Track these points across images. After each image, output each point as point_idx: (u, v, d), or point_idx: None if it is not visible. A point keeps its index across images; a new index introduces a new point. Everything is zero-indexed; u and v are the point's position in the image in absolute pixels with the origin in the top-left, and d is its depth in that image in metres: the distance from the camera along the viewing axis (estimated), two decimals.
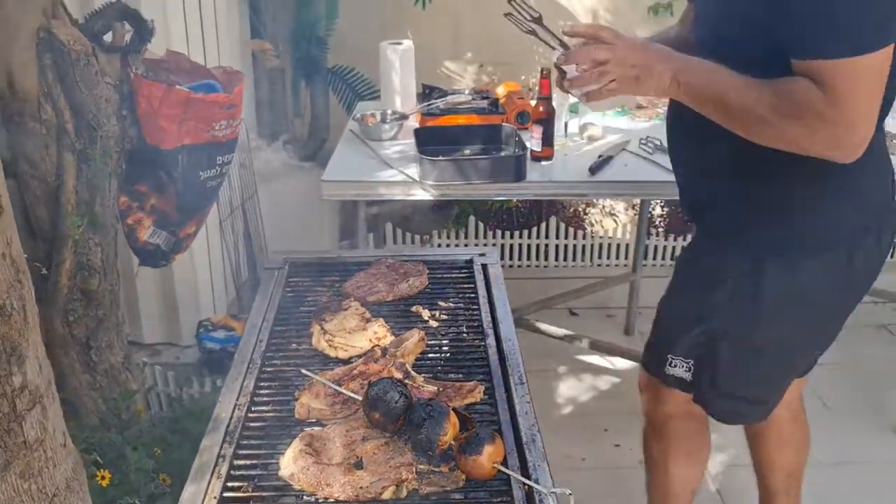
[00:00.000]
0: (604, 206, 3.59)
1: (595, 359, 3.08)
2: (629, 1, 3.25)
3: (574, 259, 3.53)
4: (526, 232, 3.48)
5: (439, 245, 3.46)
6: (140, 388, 2.19)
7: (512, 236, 3.49)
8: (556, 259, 3.53)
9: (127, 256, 2.10)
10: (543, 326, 2.94)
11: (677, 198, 2.29)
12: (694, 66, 1.26)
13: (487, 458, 1.02)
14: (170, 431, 1.94)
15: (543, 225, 3.48)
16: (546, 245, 3.51)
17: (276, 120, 3.08)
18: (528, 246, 3.50)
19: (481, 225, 3.47)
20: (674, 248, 3.48)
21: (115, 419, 1.88)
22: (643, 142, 2.39)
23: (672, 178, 2.18)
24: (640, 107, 2.80)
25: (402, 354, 1.28)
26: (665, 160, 2.27)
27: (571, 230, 3.49)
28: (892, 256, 3.59)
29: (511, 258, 3.52)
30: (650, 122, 2.67)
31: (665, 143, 2.32)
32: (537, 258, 3.52)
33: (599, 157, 2.30)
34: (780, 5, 1.15)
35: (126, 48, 1.77)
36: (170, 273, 2.48)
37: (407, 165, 2.26)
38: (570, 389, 2.94)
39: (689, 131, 1.43)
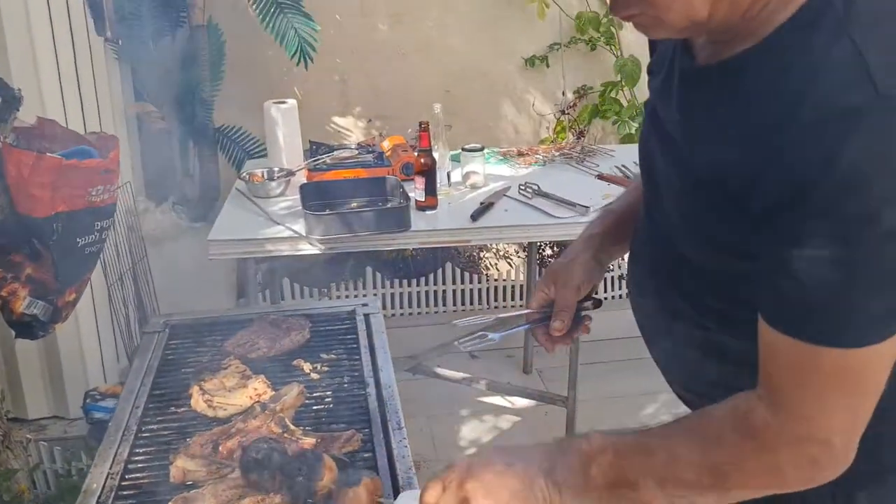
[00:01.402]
0: (497, 250, 3.70)
1: (496, 399, 3.14)
2: (506, 53, 3.41)
3: (472, 303, 3.62)
4: (423, 279, 3.55)
5: (338, 296, 3.48)
6: (23, 466, 2.10)
7: (410, 284, 3.54)
8: (454, 304, 3.60)
9: (3, 328, 2.03)
10: (443, 371, 2.99)
11: (562, 238, 2.43)
12: (575, 465, 0.87)
13: (365, 489, 1.04)
14: None
15: (440, 271, 3.55)
16: (444, 291, 3.58)
17: (164, 182, 3.06)
18: (426, 293, 3.57)
19: (378, 275, 3.51)
20: None
21: None
22: (522, 187, 2.50)
23: (549, 219, 2.31)
24: (520, 154, 2.94)
25: (282, 408, 1.29)
26: (543, 203, 2.41)
27: (467, 275, 3.58)
28: None
29: (410, 305, 3.57)
30: (530, 168, 2.80)
31: (542, 188, 2.47)
32: (436, 304, 3.58)
33: (481, 203, 2.39)
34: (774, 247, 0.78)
35: None
36: (53, 343, 2.41)
37: (294, 221, 2.29)
38: (472, 431, 2.98)
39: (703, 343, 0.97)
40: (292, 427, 1.26)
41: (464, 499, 0.87)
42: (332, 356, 1.53)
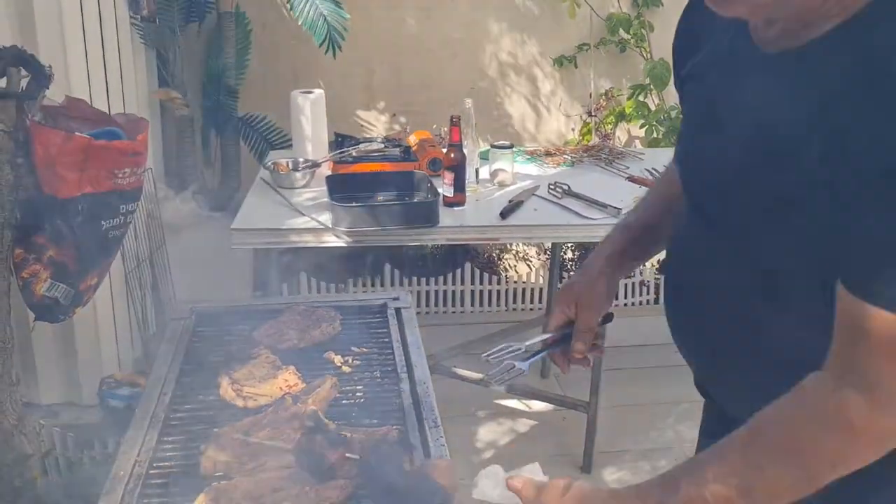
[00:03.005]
0: (517, 252, 3.65)
1: (512, 402, 3.09)
2: (534, 51, 3.37)
3: (489, 304, 3.56)
4: (441, 278, 3.50)
5: (355, 293, 3.43)
6: (36, 452, 2.06)
7: (427, 283, 3.50)
8: (472, 304, 3.55)
9: (21, 311, 1.99)
10: (461, 371, 2.94)
11: (591, 239, 2.37)
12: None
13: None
14: (67, 497, 1.83)
15: (458, 271, 3.50)
16: (462, 291, 3.53)
17: (185, 170, 3.02)
18: (444, 292, 3.52)
19: (397, 272, 3.46)
20: None
21: (7, 487, 1.76)
22: (552, 187, 2.46)
23: (580, 220, 2.26)
24: (548, 154, 2.89)
25: (314, 401, 1.25)
26: (573, 203, 2.36)
27: (486, 275, 3.53)
28: None
29: (427, 304, 3.52)
30: (558, 168, 2.75)
31: (572, 188, 2.42)
32: (453, 304, 3.53)
33: (510, 201, 2.35)
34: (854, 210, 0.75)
35: (22, 94, 1.71)
36: (69, 328, 2.37)
37: (319, 212, 2.25)
38: (488, 433, 2.93)
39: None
40: (326, 421, 1.21)
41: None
42: (364, 350, 1.49)
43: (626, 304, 3.63)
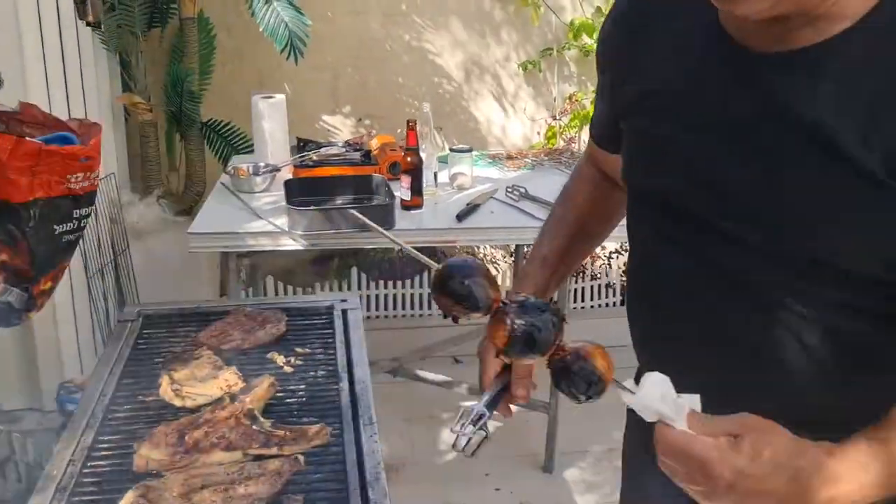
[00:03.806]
0: (484, 255, 3.68)
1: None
2: (499, 56, 3.41)
3: None
4: (409, 282, 3.52)
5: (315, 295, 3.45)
6: None
7: (395, 286, 3.52)
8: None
9: None
10: (424, 374, 2.97)
11: None
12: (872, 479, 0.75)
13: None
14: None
15: (425, 274, 3.53)
16: (429, 294, 3.55)
17: (149, 174, 3.03)
18: (412, 295, 3.54)
19: (364, 276, 3.49)
20: None
21: None
22: (510, 190, 2.49)
23: (535, 222, 2.30)
24: (509, 157, 2.93)
25: (251, 400, 1.27)
26: (529, 206, 2.39)
27: None
28: None
29: (395, 308, 3.54)
30: (519, 172, 2.79)
31: (529, 191, 2.45)
32: (420, 307, 3.56)
33: (468, 204, 2.38)
34: None
35: None
36: (29, 333, 2.37)
37: (278, 216, 2.27)
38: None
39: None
40: (261, 419, 1.23)
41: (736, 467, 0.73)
42: (307, 350, 1.51)
43: (591, 307, 3.67)
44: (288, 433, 1.21)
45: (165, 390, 1.31)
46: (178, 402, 1.29)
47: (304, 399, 1.36)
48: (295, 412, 1.33)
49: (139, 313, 1.60)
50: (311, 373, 1.44)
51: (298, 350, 1.51)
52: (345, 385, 1.38)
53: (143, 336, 1.53)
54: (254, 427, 1.21)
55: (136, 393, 1.34)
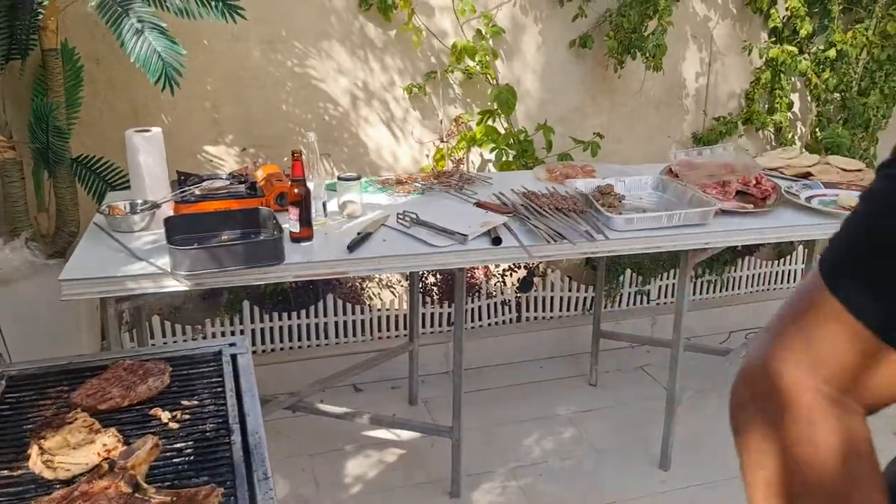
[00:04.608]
0: (380, 280, 3.64)
1: (381, 433, 3.07)
2: (384, 81, 3.39)
3: (355, 334, 3.53)
4: (304, 312, 3.44)
5: (213, 333, 3.31)
6: None
7: (290, 317, 3.43)
8: (337, 336, 3.51)
9: None
10: (325, 407, 2.89)
11: (441, 267, 2.40)
12: None
13: None
14: None
15: (321, 303, 3.46)
16: (325, 323, 3.48)
17: (15, 216, 2.82)
18: (308, 325, 3.46)
19: (257, 309, 3.37)
20: (448, 314, 3.60)
21: None
22: (400, 216, 2.47)
23: (428, 248, 2.28)
24: (399, 182, 2.91)
25: (133, 465, 1.18)
26: (421, 232, 2.37)
27: (349, 306, 3.50)
28: (646, 302, 3.97)
29: (291, 339, 3.45)
30: (409, 197, 2.78)
31: (420, 216, 2.43)
32: (317, 337, 3.48)
33: (358, 234, 2.34)
34: None
35: None
36: None
37: (160, 256, 2.16)
38: (357, 467, 2.89)
39: None
40: (144, 485, 1.15)
41: None
42: (195, 402, 1.43)
43: (488, 325, 3.70)
44: (175, 498, 1.13)
45: (35, 462, 1.20)
46: (49, 475, 1.19)
47: (192, 458, 1.29)
48: (183, 473, 1.25)
49: (2, 374, 1.47)
50: (200, 427, 1.36)
51: (185, 403, 1.43)
52: (237, 438, 1.32)
53: (8, 401, 1.41)
54: (136, 495, 1.13)
55: (2, 467, 1.23)
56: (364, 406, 3.10)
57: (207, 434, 1.34)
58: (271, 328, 3.41)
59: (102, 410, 1.37)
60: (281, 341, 3.44)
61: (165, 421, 1.36)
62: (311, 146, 2.50)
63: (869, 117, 3.98)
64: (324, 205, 2.50)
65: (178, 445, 1.31)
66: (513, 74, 3.57)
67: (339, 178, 2.56)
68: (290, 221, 2.29)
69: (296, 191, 2.26)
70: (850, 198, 2.76)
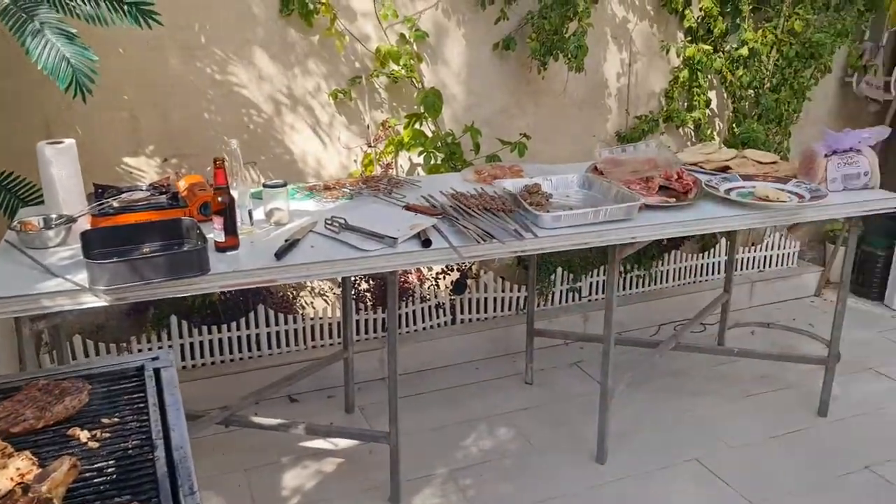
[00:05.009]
0: (312, 288, 3.60)
1: (317, 443, 3.03)
2: (309, 86, 3.35)
3: (288, 344, 3.48)
4: (234, 324, 3.37)
5: (139, 350, 3.21)
6: None
7: (220, 330, 3.35)
8: (270, 347, 3.44)
9: None
10: (258, 419, 2.84)
11: (371, 271, 2.37)
12: None
13: None
14: None
15: (252, 314, 3.39)
16: (257, 334, 3.41)
17: None
18: (239, 338, 3.38)
19: (185, 323, 3.28)
20: (383, 319, 3.58)
21: None
22: (328, 222, 2.44)
23: (357, 253, 2.26)
24: (327, 188, 2.88)
25: (50, 488, 1.13)
26: (350, 237, 2.35)
27: (282, 316, 3.44)
28: (578, 299, 4.02)
29: (221, 353, 3.37)
30: (338, 202, 2.75)
31: (349, 221, 2.41)
32: (249, 349, 3.41)
33: (286, 241, 2.30)
34: None
35: None
36: None
37: (78, 272, 2.07)
38: (294, 479, 2.84)
39: None
40: None
41: None
42: (116, 420, 1.37)
43: (423, 328, 3.69)
44: None
45: None
46: None
47: (113, 476, 1.24)
48: (104, 493, 1.20)
49: None
50: (122, 445, 1.31)
51: (105, 421, 1.37)
52: (161, 454, 1.27)
53: None
54: None
55: None
56: (300, 416, 3.05)
57: (129, 451, 1.29)
58: (201, 342, 3.32)
59: (16, 433, 1.31)
60: (212, 355, 3.36)
61: (84, 440, 1.30)
62: (235, 153, 2.46)
63: (781, 112, 4.15)
64: (250, 213, 2.45)
65: (99, 465, 1.26)
66: (438, 78, 3.58)
67: (265, 186, 2.52)
68: (214, 231, 2.24)
69: (219, 199, 2.21)
70: (766, 189, 2.86)
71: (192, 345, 3.30)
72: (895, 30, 4.29)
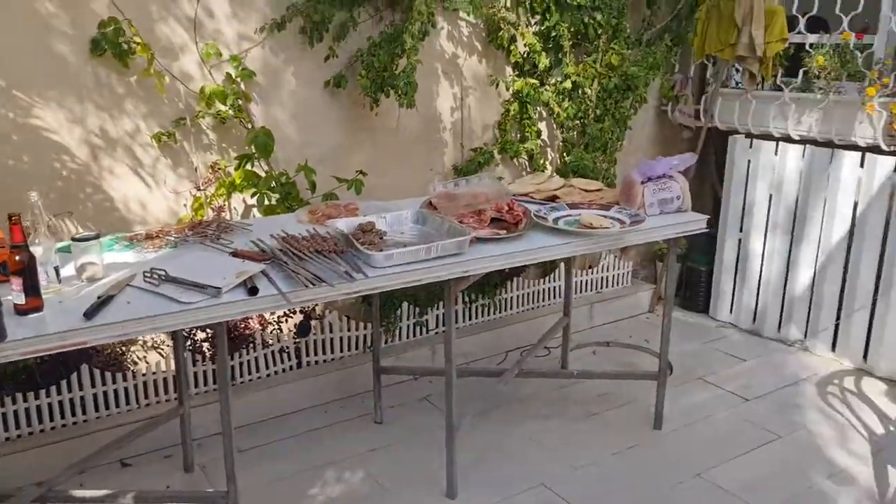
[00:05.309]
0: (145, 342, 3.38)
1: None
2: (128, 130, 3.17)
3: (118, 405, 3.23)
4: (54, 388, 3.09)
5: None
6: None
7: (37, 396, 3.06)
8: (97, 410, 3.19)
9: None
10: (80, 493, 2.60)
11: (196, 324, 2.24)
12: None
13: None
14: None
15: (74, 376, 3.13)
16: (82, 397, 3.15)
17: None
18: (60, 403, 3.11)
19: None
20: None
21: None
22: (147, 275, 2.30)
23: (178, 306, 2.13)
24: (149, 237, 2.72)
25: None
26: (170, 290, 2.22)
27: (109, 374, 3.20)
28: (425, 332, 4.01)
29: (41, 421, 3.08)
30: (161, 252, 2.60)
31: (170, 272, 2.27)
32: (73, 414, 3.14)
33: (98, 297, 2.14)
34: None
35: None
36: None
37: None
38: None
39: None
40: None
41: None
42: None
43: (267, 375, 3.56)
44: None
45: None
46: None
47: None
48: None
49: None
50: None
51: None
52: None
53: None
54: None
55: None
56: (132, 482, 2.83)
57: None
58: (15, 411, 3.02)
59: None
60: (29, 425, 3.06)
61: None
62: (34, 206, 2.27)
63: (606, 140, 4.39)
64: (56, 270, 2.26)
65: None
66: (269, 117, 3.50)
67: (74, 239, 2.34)
68: (13, 293, 2.05)
69: (17, 258, 2.02)
70: (591, 216, 3.00)
71: (5, 415, 3.00)
72: (700, 62, 4.67)
